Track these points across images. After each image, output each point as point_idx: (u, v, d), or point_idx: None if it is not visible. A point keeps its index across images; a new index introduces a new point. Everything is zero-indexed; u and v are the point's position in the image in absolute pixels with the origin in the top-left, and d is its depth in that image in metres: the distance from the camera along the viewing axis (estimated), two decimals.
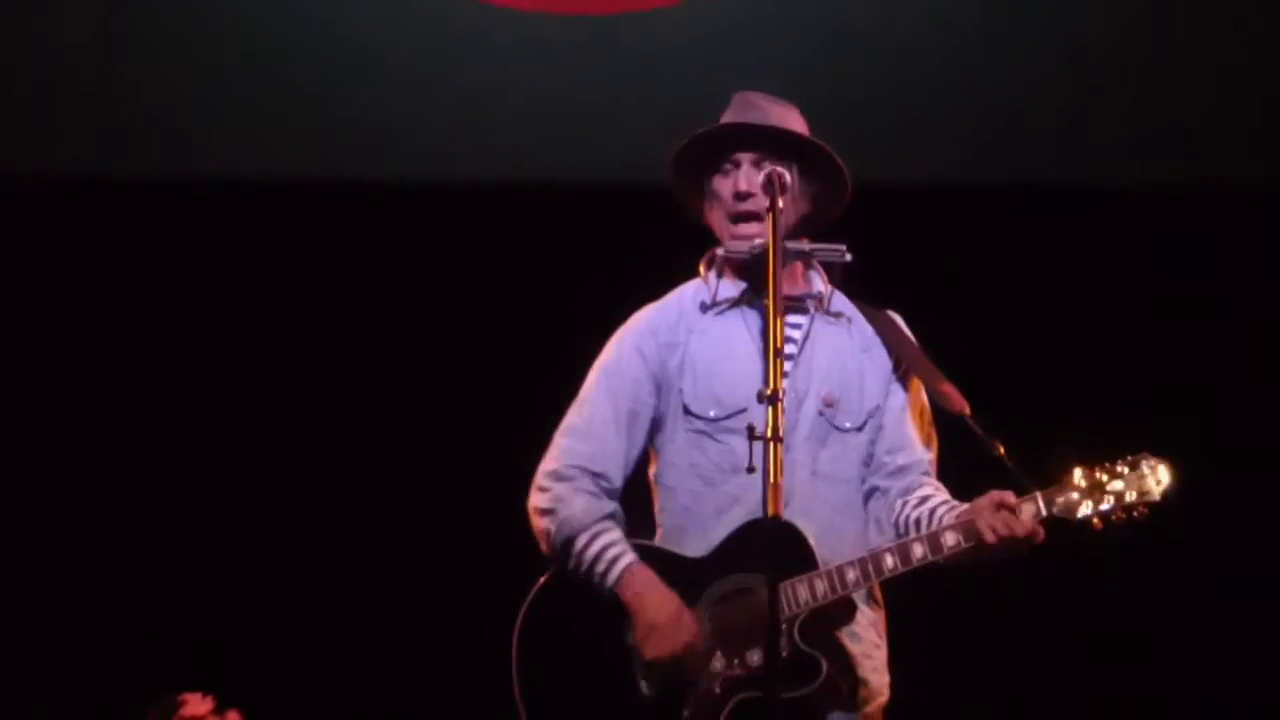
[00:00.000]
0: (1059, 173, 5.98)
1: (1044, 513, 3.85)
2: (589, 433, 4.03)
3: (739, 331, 4.04)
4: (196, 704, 4.63)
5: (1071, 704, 5.86)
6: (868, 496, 4.04)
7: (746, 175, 4.01)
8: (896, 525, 3.97)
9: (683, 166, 4.09)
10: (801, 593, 3.83)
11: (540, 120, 5.95)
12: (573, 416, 4.08)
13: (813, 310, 4.07)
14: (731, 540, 3.91)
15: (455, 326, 6.00)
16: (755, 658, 3.81)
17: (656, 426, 4.07)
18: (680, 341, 4.05)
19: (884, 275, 4.17)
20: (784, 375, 3.66)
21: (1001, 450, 3.92)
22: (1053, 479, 3.88)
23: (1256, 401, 5.89)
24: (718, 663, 3.86)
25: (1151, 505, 3.86)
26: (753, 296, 4.05)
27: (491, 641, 4.03)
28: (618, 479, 4.03)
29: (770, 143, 4.00)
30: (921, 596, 4.10)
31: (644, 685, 3.88)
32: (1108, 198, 5.96)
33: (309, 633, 5.90)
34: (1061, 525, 3.87)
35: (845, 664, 3.91)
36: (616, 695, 3.88)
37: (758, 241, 3.94)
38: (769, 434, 3.49)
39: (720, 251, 4.08)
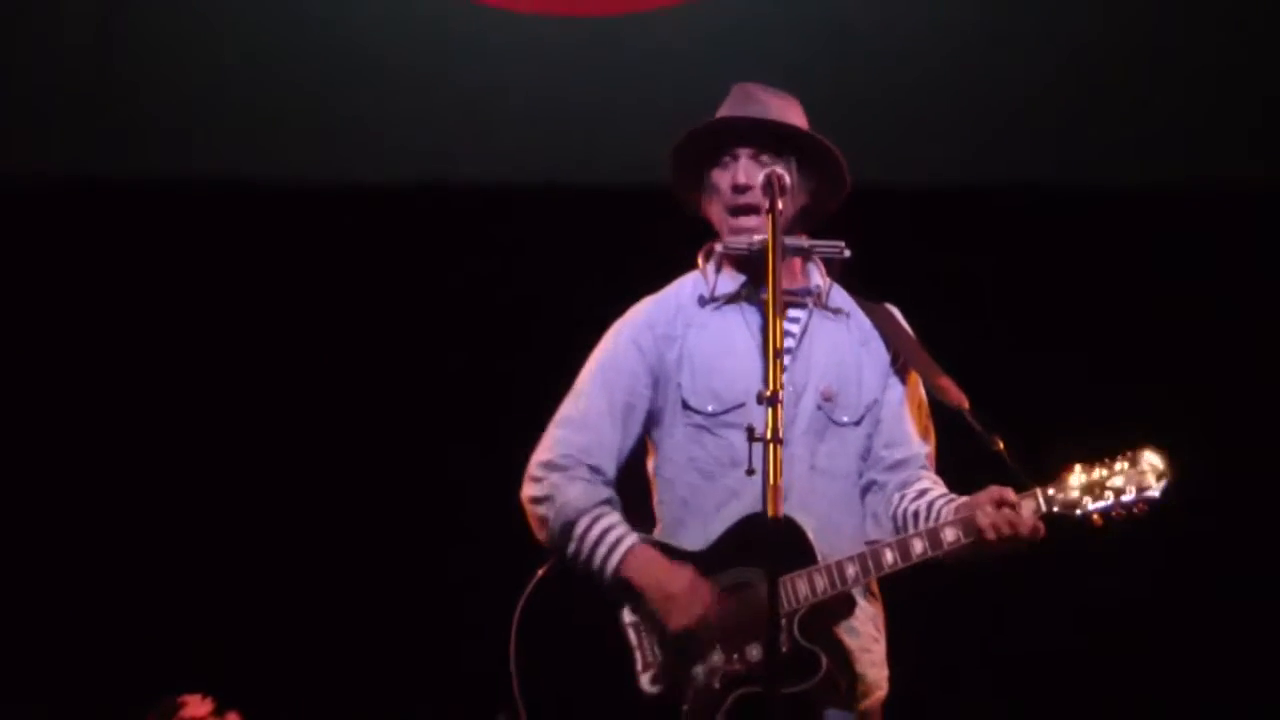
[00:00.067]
0: (1059, 173, 5.97)
1: (1044, 509, 3.85)
2: (584, 424, 4.03)
3: (738, 327, 4.03)
4: (196, 705, 4.63)
5: (1071, 700, 5.84)
6: (865, 491, 4.03)
7: (745, 168, 4.01)
8: (894, 519, 3.97)
9: (682, 160, 4.09)
10: (801, 588, 3.82)
11: (540, 121, 5.96)
12: (568, 408, 4.08)
13: (811, 305, 4.06)
14: (730, 534, 3.90)
15: (455, 327, 6.00)
16: (755, 653, 3.80)
17: (654, 420, 4.06)
18: (678, 335, 4.05)
19: (884, 276, 4.17)
20: (783, 370, 3.65)
21: (1000, 445, 3.92)
22: (1051, 475, 3.88)
23: (1256, 401, 5.89)
24: (717, 657, 3.85)
25: (1151, 502, 3.86)
26: (751, 292, 4.04)
27: (491, 641, 4.02)
28: (612, 471, 4.03)
29: (769, 136, 4.01)
30: (921, 592, 4.09)
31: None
32: (1108, 198, 5.95)
33: (309, 633, 5.90)
34: (1061, 521, 3.87)
35: (844, 659, 3.90)
36: (616, 688, 3.87)
37: (756, 237, 3.94)
38: (769, 436, 3.50)
39: (719, 247, 4.08)
